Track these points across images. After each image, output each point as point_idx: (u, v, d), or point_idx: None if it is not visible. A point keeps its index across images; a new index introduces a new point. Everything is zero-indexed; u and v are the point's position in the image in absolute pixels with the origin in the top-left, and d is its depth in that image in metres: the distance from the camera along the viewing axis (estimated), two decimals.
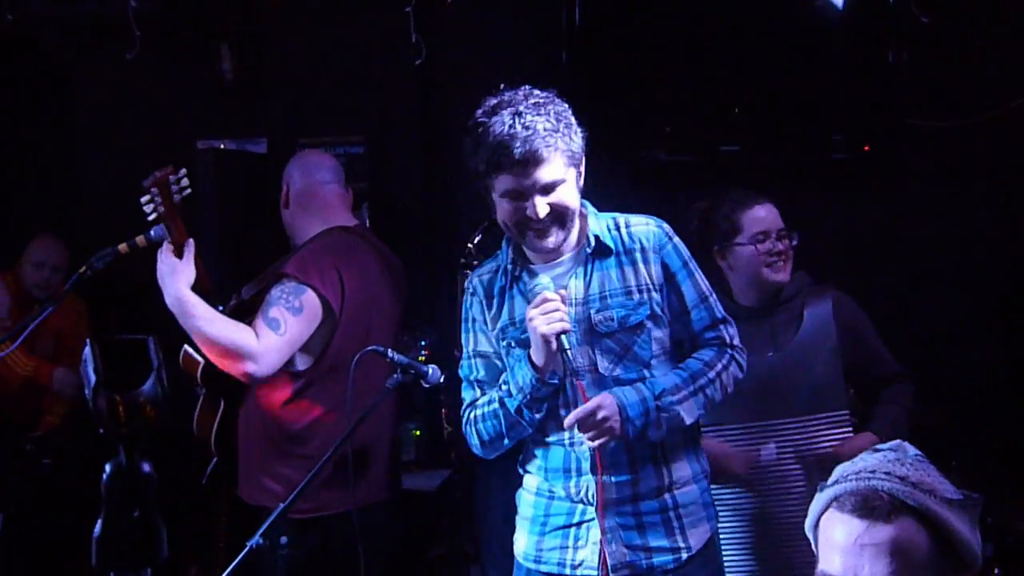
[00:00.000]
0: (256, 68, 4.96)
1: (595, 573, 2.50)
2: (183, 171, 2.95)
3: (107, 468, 1.87)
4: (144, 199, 2.93)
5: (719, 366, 2.57)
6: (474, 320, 2.66)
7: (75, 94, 5.21)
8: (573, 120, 2.47)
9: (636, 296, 2.52)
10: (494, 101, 2.46)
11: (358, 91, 4.89)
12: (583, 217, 2.58)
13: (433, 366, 2.80)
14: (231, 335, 2.90)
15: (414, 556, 4.21)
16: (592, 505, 2.50)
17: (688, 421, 2.52)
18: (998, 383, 4.04)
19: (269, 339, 2.92)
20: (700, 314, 2.59)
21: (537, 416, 2.52)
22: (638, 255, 2.54)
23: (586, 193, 2.57)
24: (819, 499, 1.58)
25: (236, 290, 3.28)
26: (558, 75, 4.39)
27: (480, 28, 4.74)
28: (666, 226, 2.61)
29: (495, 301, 2.62)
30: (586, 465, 2.51)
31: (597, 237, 2.54)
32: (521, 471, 2.69)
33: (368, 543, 2.84)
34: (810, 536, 1.62)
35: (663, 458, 2.55)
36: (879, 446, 1.61)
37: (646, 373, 2.53)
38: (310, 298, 3.00)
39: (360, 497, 2.94)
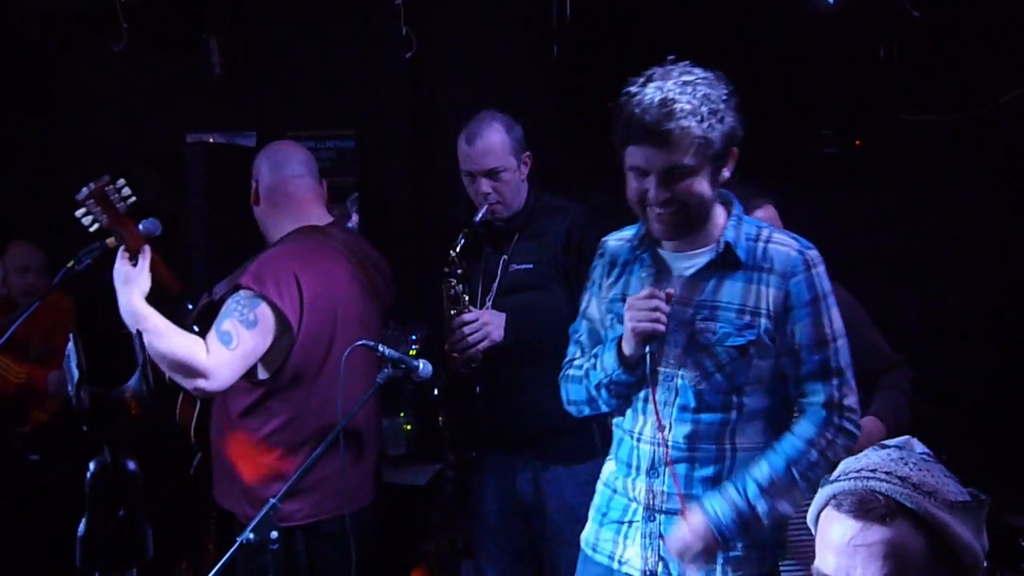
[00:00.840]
0: (245, 61, 4.94)
1: (637, 573, 2.48)
2: (121, 180, 2.80)
3: (91, 466, 1.84)
4: (79, 212, 2.78)
5: (823, 443, 2.33)
6: (592, 282, 2.63)
7: (61, 87, 5.19)
8: (724, 107, 2.29)
9: (747, 317, 2.35)
10: (650, 72, 2.32)
11: (348, 84, 4.87)
12: (727, 216, 2.43)
13: (424, 360, 2.79)
14: (180, 350, 2.77)
15: (405, 550, 4.21)
16: (642, 505, 2.47)
17: (789, 512, 2.36)
18: (988, 375, 4.05)
19: (220, 354, 2.79)
20: (811, 359, 2.35)
21: (615, 401, 2.50)
22: (765, 274, 2.36)
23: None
24: (820, 494, 1.57)
25: (217, 281, 3.22)
26: (548, 68, 4.39)
27: (470, 21, 4.72)
28: (811, 254, 2.39)
29: (616, 270, 2.56)
30: (644, 464, 2.46)
31: (728, 244, 2.38)
32: (607, 457, 2.68)
33: (356, 548, 2.83)
34: (811, 528, 1.61)
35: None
36: (886, 442, 1.59)
37: (733, 398, 2.37)
38: (264, 311, 2.86)
39: (340, 505, 2.89)
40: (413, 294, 4.19)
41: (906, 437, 1.61)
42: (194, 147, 4.67)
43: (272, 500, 2.58)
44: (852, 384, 2.40)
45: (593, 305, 2.62)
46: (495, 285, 3.34)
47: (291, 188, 3.13)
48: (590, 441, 3.21)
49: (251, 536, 2.51)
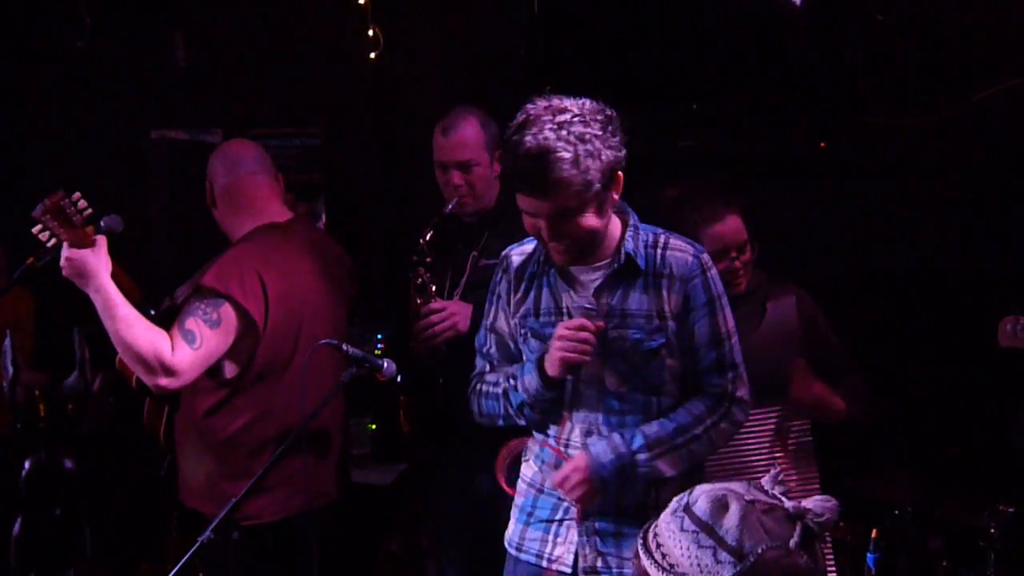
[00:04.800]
0: (210, 57, 4.90)
1: (568, 571, 2.54)
2: (77, 194, 2.68)
3: (26, 465, 1.82)
4: (36, 228, 2.67)
5: (708, 422, 2.51)
6: (499, 297, 2.67)
7: (23, 83, 5.12)
8: (600, 144, 2.34)
9: (655, 322, 2.49)
10: (523, 116, 2.37)
11: (314, 81, 4.85)
12: (623, 227, 2.53)
13: (388, 360, 2.78)
14: (146, 344, 2.74)
15: (369, 550, 4.19)
16: (575, 505, 2.53)
17: (669, 475, 2.49)
18: (950, 378, 4.08)
19: (184, 352, 2.79)
20: (709, 356, 2.52)
21: (538, 416, 2.56)
22: (665, 280, 2.50)
23: None
24: None
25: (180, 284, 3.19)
26: (516, 68, 4.39)
27: (437, 19, 4.72)
28: (705, 257, 2.54)
29: (523, 285, 2.61)
30: None
31: (629, 256, 2.49)
32: (523, 457, 2.72)
33: (318, 545, 2.82)
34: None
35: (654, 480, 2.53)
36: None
37: (652, 398, 2.51)
38: (228, 311, 2.86)
39: (304, 501, 2.88)
40: (379, 292, 4.18)
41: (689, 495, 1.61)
42: (158, 144, 4.63)
43: (233, 499, 2.57)
44: (744, 378, 2.56)
45: (500, 319, 2.67)
46: (463, 280, 3.35)
47: (247, 187, 3.11)
48: None
49: (211, 535, 2.49)
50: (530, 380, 2.52)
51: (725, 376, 2.53)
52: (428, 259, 3.32)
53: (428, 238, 3.31)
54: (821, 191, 4.33)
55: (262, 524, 2.95)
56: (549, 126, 2.32)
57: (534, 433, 2.66)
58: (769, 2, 4.17)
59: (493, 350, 2.69)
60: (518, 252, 2.66)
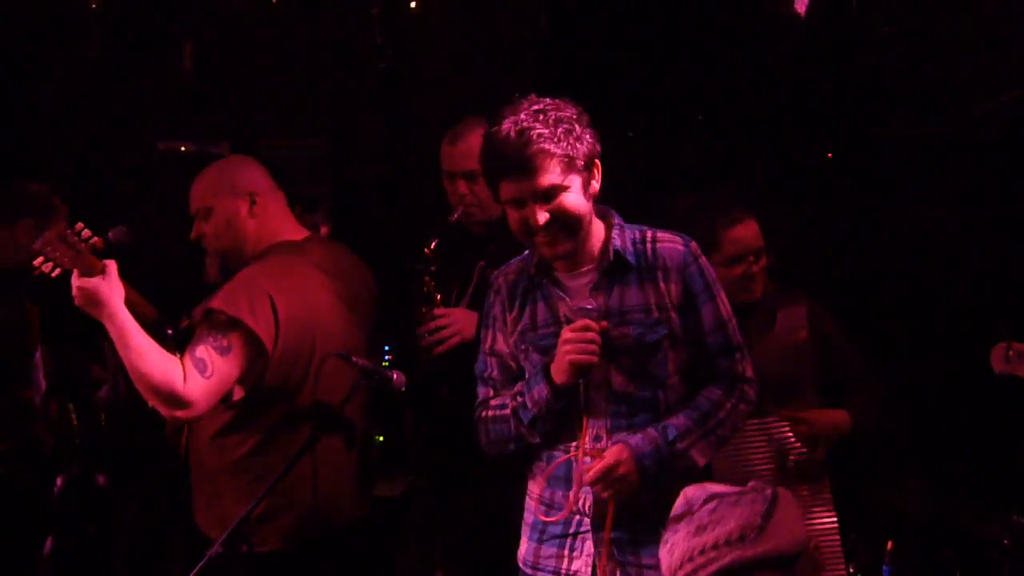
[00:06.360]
0: (218, 68, 4.91)
1: None
2: (79, 224, 2.63)
3: (58, 482, 1.78)
4: (38, 261, 2.61)
5: (728, 405, 2.55)
6: (494, 319, 2.66)
7: (32, 93, 5.12)
8: (578, 125, 2.42)
9: (655, 315, 2.50)
10: (501, 110, 2.44)
11: (321, 91, 4.86)
12: (608, 227, 2.56)
13: (397, 371, 2.76)
14: (160, 374, 2.67)
15: (378, 562, 4.17)
16: (588, 517, 2.52)
17: (701, 463, 2.53)
18: (966, 389, 4.06)
19: (196, 382, 2.72)
20: (716, 340, 2.56)
21: (548, 428, 2.54)
22: (660, 273, 2.52)
23: None
24: None
25: (196, 302, 3.15)
26: (524, 80, 4.39)
27: (446, 31, 4.72)
28: (693, 245, 2.58)
29: (517, 303, 2.61)
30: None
31: (618, 252, 2.52)
32: (528, 475, 2.68)
33: (327, 572, 2.79)
34: None
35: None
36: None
37: (660, 394, 2.53)
38: (238, 336, 2.79)
39: (311, 530, 2.84)
40: (386, 303, 4.16)
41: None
42: (165, 155, 4.63)
43: (242, 515, 2.54)
44: (748, 357, 2.61)
45: (499, 341, 2.65)
46: (470, 289, 3.34)
47: (259, 207, 3.06)
48: None
49: (219, 551, 2.47)
50: (539, 391, 2.49)
51: (733, 357, 2.57)
52: (432, 268, 3.32)
53: (433, 246, 3.30)
54: (827, 202, 4.32)
55: (267, 552, 2.89)
56: (525, 113, 2.39)
57: (538, 447, 2.61)
58: (774, 14, 4.18)
59: (495, 373, 2.66)
60: (505, 272, 2.67)
